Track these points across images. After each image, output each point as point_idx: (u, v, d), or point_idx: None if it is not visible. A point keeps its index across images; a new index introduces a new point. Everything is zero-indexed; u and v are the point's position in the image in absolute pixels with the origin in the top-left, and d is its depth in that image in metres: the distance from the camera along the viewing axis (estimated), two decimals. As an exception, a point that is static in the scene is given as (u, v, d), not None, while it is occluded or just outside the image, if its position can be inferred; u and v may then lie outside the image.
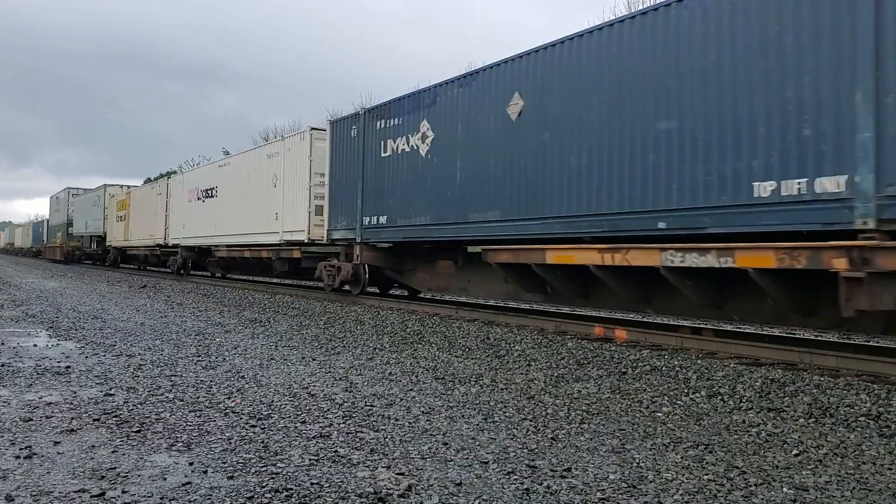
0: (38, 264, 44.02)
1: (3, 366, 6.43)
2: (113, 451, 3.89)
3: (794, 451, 4.30)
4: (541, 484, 3.52)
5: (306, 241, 17.17)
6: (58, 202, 53.59)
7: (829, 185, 6.77)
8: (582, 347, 8.24)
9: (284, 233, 18.17)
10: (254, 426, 4.50)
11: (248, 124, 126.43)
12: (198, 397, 5.32)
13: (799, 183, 7.00)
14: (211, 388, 5.69)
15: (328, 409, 5.02)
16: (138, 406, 4.98)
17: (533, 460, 3.93)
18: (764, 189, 7.33)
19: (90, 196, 42.99)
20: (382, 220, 14.03)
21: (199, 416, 4.74)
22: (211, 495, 3.23)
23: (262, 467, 3.66)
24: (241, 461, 3.76)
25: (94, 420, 4.56)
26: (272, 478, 3.49)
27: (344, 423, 4.66)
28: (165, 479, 3.46)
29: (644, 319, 11.29)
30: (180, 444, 4.07)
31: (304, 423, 4.63)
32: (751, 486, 3.61)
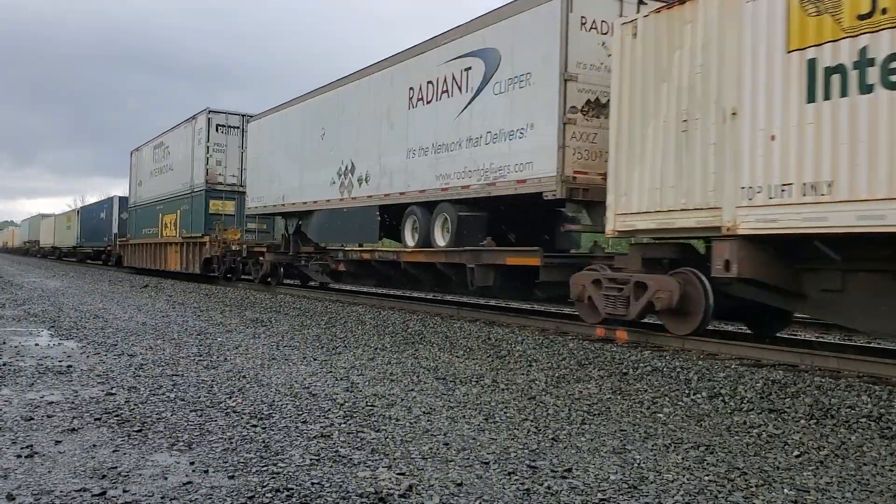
0: (42, 264, 42.45)
1: (4, 365, 6.44)
2: (114, 451, 3.89)
3: (795, 453, 4.30)
4: (541, 484, 3.52)
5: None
6: (162, 155, 26.28)
7: None
8: (583, 348, 8.23)
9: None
10: (255, 426, 4.51)
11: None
12: (199, 397, 5.32)
13: None
14: (212, 387, 5.70)
15: (329, 409, 5.02)
16: (139, 405, 4.98)
17: (534, 461, 3.93)
18: None
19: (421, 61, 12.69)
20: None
21: (201, 415, 4.75)
22: (212, 495, 3.23)
23: (262, 467, 3.66)
24: (242, 461, 3.76)
25: (96, 419, 4.56)
26: (273, 477, 3.49)
27: (345, 422, 4.67)
28: (166, 478, 3.46)
29: (645, 321, 11.28)
30: (181, 443, 4.08)
31: (305, 422, 4.63)
32: (752, 487, 3.61)
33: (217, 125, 22.38)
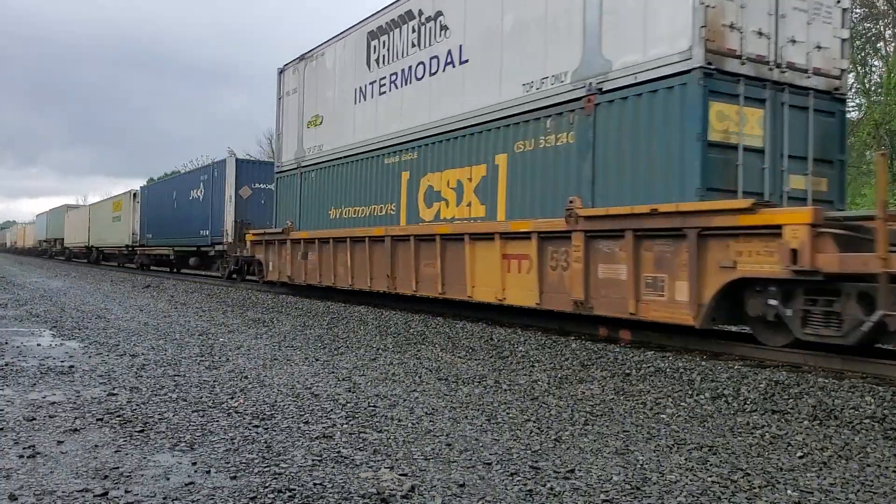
0: (45, 264, 42.16)
1: (6, 365, 6.44)
2: (116, 451, 3.89)
3: (799, 454, 4.29)
4: (544, 485, 3.52)
5: None
6: (408, 42, 12.14)
7: None
8: (586, 348, 8.22)
9: None
10: (257, 426, 4.50)
11: (254, 125, 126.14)
12: (201, 397, 5.32)
13: None
14: (214, 388, 5.69)
15: (331, 410, 5.02)
16: (141, 406, 4.98)
17: (536, 461, 3.93)
18: None
19: None
20: None
21: (203, 415, 4.75)
22: (214, 495, 3.23)
23: (265, 467, 3.66)
24: (244, 461, 3.76)
25: (98, 420, 4.56)
26: (275, 478, 3.49)
27: (347, 423, 4.66)
28: (168, 478, 3.46)
29: (647, 321, 11.25)
30: (183, 443, 4.08)
31: (307, 423, 4.63)
32: (755, 488, 3.60)
33: None
